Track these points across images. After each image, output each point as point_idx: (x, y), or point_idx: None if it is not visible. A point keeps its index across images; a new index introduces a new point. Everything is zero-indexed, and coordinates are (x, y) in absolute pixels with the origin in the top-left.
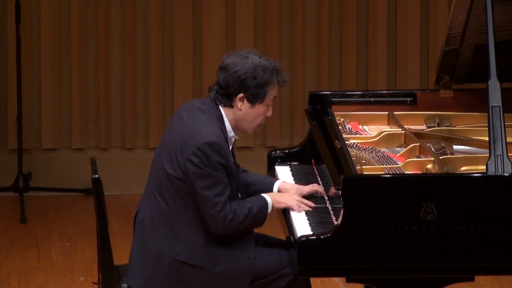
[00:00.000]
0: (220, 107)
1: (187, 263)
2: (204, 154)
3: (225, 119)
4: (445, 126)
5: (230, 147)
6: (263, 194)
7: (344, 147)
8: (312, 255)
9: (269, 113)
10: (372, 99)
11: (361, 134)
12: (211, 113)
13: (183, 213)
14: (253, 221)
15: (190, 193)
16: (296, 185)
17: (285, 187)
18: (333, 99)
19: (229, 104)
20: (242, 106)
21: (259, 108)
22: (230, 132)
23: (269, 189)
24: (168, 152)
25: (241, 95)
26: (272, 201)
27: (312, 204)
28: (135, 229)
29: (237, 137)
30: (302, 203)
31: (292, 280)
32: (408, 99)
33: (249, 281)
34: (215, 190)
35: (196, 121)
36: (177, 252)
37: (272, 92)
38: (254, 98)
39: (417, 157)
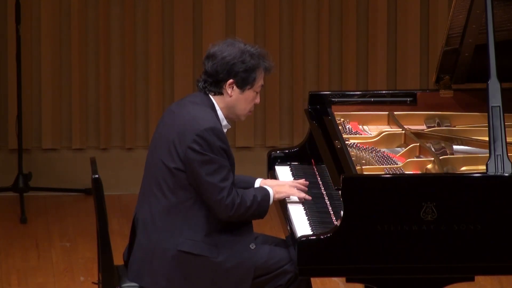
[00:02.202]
0: (211, 97)
1: (191, 253)
2: (205, 140)
3: (217, 107)
4: (445, 126)
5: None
6: (263, 185)
7: (344, 147)
8: (312, 255)
9: (257, 100)
10: (372, 99)
11: (361, 134)
12: (204, 103)
13: (184, 205)
14: (258, 209)
15: (191, 183)
16: (278, 181)
17: (266, 182)
18: (333, 99)
19: (219, 92)
20: (232, 92)
21: (249, 94)
22: (223, 121)
23: (250, 187)
24: (166, 147)
25: (230, 81)
26: (273, 191)
27: (306, 183)
28: (136, 229)
29: (229, 126)
30: (298, 184)
31: (293, 277)
32: (408, 99)
33: (252, 273)
34: (219, 176)
35: (190, 112)
36: (180, 243)
37: (260, 78)
38: (243, 83)
39: (417, 157)
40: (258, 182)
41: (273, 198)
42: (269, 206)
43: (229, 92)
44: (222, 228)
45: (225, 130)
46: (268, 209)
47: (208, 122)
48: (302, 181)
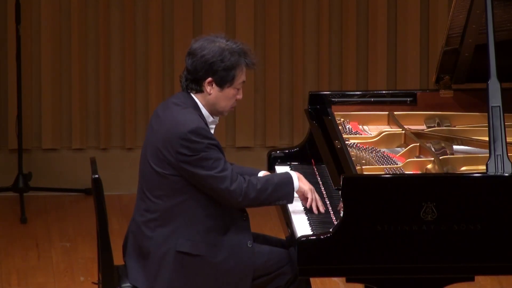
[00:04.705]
0: (193, 95)
1: (190, 254)
2: (191, 142)
3: (200, 106)
4: (445, 126)
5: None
6: (288, 171)
7: (344, 147)
8: (312, 255)
9: (240, 96)
10: (372, 99)
11: (361, 134)
12: (186, 104)
13: (179, 208)
14: (275, 191)
15: (193, 183)
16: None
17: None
18: (333, 99)
19: (199, 90)
20: (211, 90)
21: (229, 92)
22: (209, 118)
23: None
24: (153, 152)
25: (209, 79)
26: (297, 176)
27: (324, 209)
28: (130, 231)
29: (217, 122)
30: (319, 202)
31: (292, 278)
32: (408, 99)
33: (251, 273)
34: (217, 168)
35: (173, 115)
36: (178, 245)
37: (240, 75)
38: (222, 82)
39: (417, 157)
40: (261, 174)
41: (298, 184)
42: (293, 190)
43: (208, 90)
44: (219, 227)
45: (213, 126)
46: (294, 193)
47: (190, 123)
48: (322, 204)
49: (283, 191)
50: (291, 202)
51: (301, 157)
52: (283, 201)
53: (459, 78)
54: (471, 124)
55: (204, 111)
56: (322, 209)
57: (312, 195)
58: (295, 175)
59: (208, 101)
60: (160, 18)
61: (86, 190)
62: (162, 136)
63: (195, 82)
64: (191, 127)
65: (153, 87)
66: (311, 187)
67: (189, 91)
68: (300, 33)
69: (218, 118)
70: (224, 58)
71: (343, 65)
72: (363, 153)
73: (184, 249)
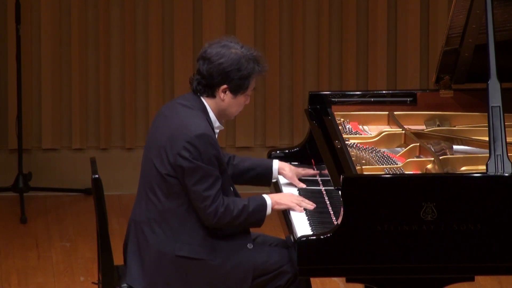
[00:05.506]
0: (202, 98)
1: (189, 257)
2: (195, 148)
3: (209, 110)
4: (445, 126)
5: (216, 137)
6: (263, 195)
7: (344, 147)
8: (312, 255)
9: (248, 101)
10: (372, 99)
11: (361, 134)
12: (195, 107)
13: (179, 210)
14: (248, 218)
15: (183, 187)
16: (294, 167)
17: (284, 168)
18: (333, 99)
19: (212, 95)
20: (224, 97)
21: (241, 99)
22: (215, 123)
23: (269, 172)
24: (157, 152)
25: (224, 86)
26: (272, 203)
27: (313, 205)
28: (129, 230)
29: (222, 127)
30: (303, 202)
31: (292, 277)
32: (408, 99)
33: (251, 274)
34: (205, 184)
35: (181, 116)
36: (177, 248)
37: (253, 82)
38: (237, 90)
39: (417, 157)
40: (276, 163)
41: (272, 209)
42: (264, 216)
43: (221, 96)
44: (219, 231)
45: (218, 131)
46: (265, 218)
47: (198, 128)
48: (309, 202)
49: (255, 218)
50: (260, 226)
51: (301, 157)
52: (254, 226)
53: (459, 78)
54: (471, 124)
55: (212, 115)
56: (310, 207)
57: (295, 204)
58: (269, 201)
59: (220, 106)
60: (160, 18)
61: (86, 190)
62: (167, 135)
63: (208, 88)
64: (198, 131)
65: (153, 87)
66: (290, 197)
67: (199, 94)
68: (300, 33)
69: (224, 123)
70: (241, 67)
71: (343, 65)
72: (363, 153)
73: (182, 253)
